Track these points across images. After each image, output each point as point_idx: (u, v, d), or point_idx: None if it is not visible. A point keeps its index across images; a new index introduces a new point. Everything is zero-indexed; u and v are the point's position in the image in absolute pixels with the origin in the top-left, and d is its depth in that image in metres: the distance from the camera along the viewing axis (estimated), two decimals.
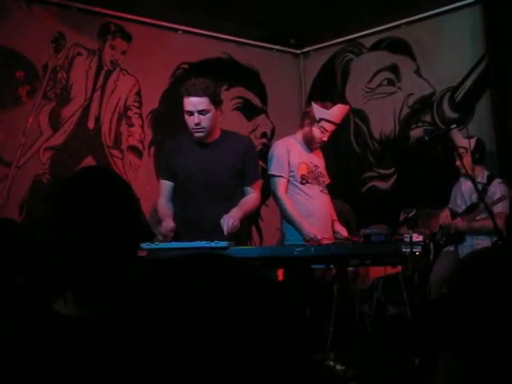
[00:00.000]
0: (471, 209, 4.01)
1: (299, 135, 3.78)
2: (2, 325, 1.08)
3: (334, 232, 3.73)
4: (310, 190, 3.68)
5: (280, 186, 3.59)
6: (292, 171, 3.65)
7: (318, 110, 3.66)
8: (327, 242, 3.48)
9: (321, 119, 3.65)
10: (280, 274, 3.26)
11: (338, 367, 3.41)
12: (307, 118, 3.71)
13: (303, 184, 3.67)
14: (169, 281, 0.71)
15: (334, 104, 3.76)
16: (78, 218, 1.14)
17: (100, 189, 1.19)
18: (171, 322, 0.66)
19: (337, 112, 3.71)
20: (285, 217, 3.63)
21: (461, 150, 3.91)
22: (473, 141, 3.97)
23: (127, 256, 1.18)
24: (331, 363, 3.45)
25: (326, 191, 3.79)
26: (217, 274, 0.71)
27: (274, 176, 3.61)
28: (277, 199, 3.62)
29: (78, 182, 1.22)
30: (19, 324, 1.07)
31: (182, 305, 0.67)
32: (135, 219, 1.22)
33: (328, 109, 3.67)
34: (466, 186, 4.05)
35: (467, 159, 3.89)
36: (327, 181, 3.84)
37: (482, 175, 4.04)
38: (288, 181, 3.64)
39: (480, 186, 3.91)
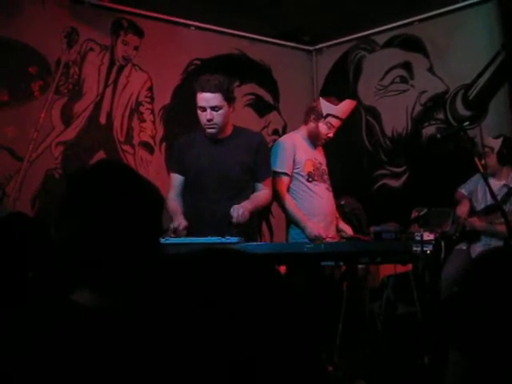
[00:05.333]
0: (491, 210, 3.93)
1: (304, 131, 3.70)
2: (17, 318, 1.09)
3: (339, 230, 3.68)
4: (317, 188, 3.62)
5: (282, 183, 3.52)
6: (297, 168, 3.58)
7: (325, 105, 3.58)
8: (332, 240, 3.46)
9: (328, 115, 3.57)
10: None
11: (329, 368, 3.39)
12: (313, 113, 3.62)
13: (309, 182, 3.60)
14: (185, 274, 0.71)
15: (342, 100, 3.69)
16: (91, 207, 1.15)
17: (113, 181, 1.20)
18: (188, 313, 0.67)
19: (344, 108, 3.64)
20: (287, 215, 3.58)
21: (486, 150, 3.88)
22: (499, 141, 3.93)
23: (144, 248, 1.19)
24: None
25: (330, 189, 3.72)
26: (230, 267, 0.72)
27: (276, 172, 3.50)
28: (278, 197, 3.53)
29: (91, 173, 1.23)
30: (34, 315, 1.08)
31: (198, 297, 0.68)
32: (151, 213, 1.23)
33: (335, 104, 3.60)
34: (492, 184, 3.98)
35: (492, 159, 3.86)
36: (328, 178, 3.77)
37: (509, 177, 3.97)
38: (291, 178, 3.57)
39: (506, 189, 3.87)
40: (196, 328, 0.65)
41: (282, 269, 3.24)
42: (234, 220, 3.01)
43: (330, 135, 3.66)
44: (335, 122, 3.62)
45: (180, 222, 3.11)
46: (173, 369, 0.65)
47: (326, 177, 3.72)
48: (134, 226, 1.17)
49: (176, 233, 3.06)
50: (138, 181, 1.24)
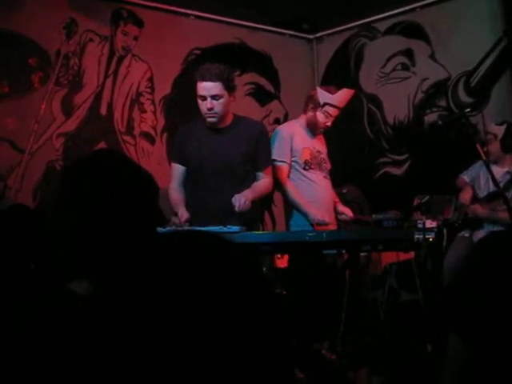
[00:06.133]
0: (494, 197, 3.92)
1: (302, 120, 3.72)
2: (17, 308, 1.09)
3: (339, 213, 3.70)
4: (314, 176, 3.64)
5: (282, 171, 3.55)
6: (295, 156, 3.60)
7: (322, 94, 3.60)
8: (331, 227, 3.47)
9: (325, 104, 3.58)
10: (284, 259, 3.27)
11: (332, 357, 3.40)
12: (311, 102, 3.64)
13: (306, 170, 3.62)
14: (172, 262, 0.72)
15: (340, 88, 3.68)
16: (90, 198, 1.15)
17: (111, 170, 1.20)
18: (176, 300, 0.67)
19: (341, 96, 3.65)
20: (289, 202, 3.60)
21: (489, 136, 3.87)
22: (502, 127, 3.91)
23: (142, 238, 1.19)
24: (324, 352, 3.43)
25: (328, 177, 3.75)
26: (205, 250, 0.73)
27: (275, 161, 3.53)
28: (279, 185, 3.56)
29: (90, 163, 1.23)
30: (34, 305, 1.08)
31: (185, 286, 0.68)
32: (148, 202, 1.23)
33: (332, 93, 3.61)
34: (495, 171, 3.97)
35: (495, 146, 3.85)
36: (329, 167, 3.79)
37: None
38: (290, 166, 3.59)
39: (508, 176, 3.86)
40: (186, 315, 0.66)
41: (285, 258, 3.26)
42: (236, 209, 3.02)
43: (328, 124, 3.67)
44: (333, 111, 3.63)
45: (182, 213, 3.11)
46: (166, 355, 0.65)
47: (324, 165, 3.73)
48: (133, 216, 1.18)
49: (178, 225, 3.06)
50: (136, 170, 1.24)
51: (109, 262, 1.15)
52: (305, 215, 3.50)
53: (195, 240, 0.75)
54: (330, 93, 3.61)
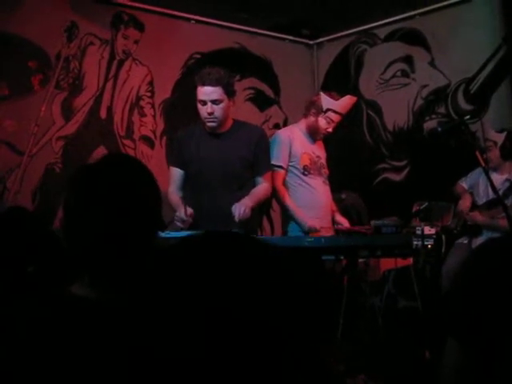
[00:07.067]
0: (494, 204, 3.92)
1: (303, 125, 3.71)
2: (17, 309, 1.09)
3: (335, 223, 3.70)
4: (313, 181, 3.63)
5: (278, 177, 3.53)
6: (293, 161, 3.59)
7: (325, 100, 3.59)
8: (328, 232, 3.47)
9: (328, 110, 3.58)
10: None
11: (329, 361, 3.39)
12: (313, 107, 3.63)
13: (305, 175, 3.61)
14: (181, 264, 0.71)
15: (344, 95, 3.68)
16: (102, 201, 1.15)
17: (126, 174, 1.21)
18: (190, 300, 0.67)
19: (344, 103, 3.65)
20: (282, 208, 3.61)
21: (489, 144, 3.88)
22: (502, 135, 3.92)
23: (146, 241, 1.19)
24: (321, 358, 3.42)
25: (327, 182, 3.75)
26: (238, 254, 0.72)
27: (272, 165, 3.50)
28: (274, 191, 3.54)
29: (105, 166, 1.23)
30: (34, 308, 1.08)
31: (202, 284, 0.68)
32: (157, 206, 1.24)
33: (336, 99, 3.60)
34: (494, 178, 3.98)
35: (495, 153, 3.86)
36: (327, 172, 3.79)
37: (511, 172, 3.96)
38: (286, 171, 3.59)
39: (508, 183, 3.87)
40: (193, 320, 0.65)
41: None
42: (236, 219, 3.01)
43: (330, 130, 3.66)
44: (335, 117, 3.62)
45: (186, 209, 3.09)
46: (172, 359, 0.65)
47: (323, 170, 3.73)
48: (139, 220, 1.18)
49: (183, 221, 3.05)
50: (147, 176, 1.25)
51: (111, 266, 1.15)
52: (297, 223, 3.50)
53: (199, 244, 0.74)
54: (333, 99, 3.61)
